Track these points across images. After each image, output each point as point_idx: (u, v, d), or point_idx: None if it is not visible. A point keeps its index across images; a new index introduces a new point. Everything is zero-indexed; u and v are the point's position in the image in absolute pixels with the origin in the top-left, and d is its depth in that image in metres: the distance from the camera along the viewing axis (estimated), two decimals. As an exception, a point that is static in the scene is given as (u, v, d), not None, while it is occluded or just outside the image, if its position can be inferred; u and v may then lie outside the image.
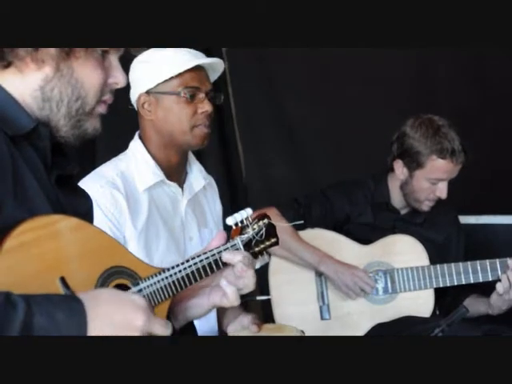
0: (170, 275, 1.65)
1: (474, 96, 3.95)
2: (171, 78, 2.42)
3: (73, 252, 1.47)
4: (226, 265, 1.72)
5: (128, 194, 2.40)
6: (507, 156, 3.87)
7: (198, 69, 2.44)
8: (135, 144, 2.51)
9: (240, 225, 1.77)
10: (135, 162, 2.47)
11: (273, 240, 1.85)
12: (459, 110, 3.71)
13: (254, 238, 1.79)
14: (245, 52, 3.82)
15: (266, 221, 1.84)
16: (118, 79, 1.56)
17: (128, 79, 1.62)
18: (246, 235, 1.78)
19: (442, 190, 3.02)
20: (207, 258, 1.71)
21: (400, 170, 3.08)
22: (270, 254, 1.85)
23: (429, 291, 3.03)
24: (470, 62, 3.89)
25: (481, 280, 2.97)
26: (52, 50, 1.46)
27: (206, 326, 2.54)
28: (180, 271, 1.67)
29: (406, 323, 2.95)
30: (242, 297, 1.73)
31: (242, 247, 1.76)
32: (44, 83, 1.49)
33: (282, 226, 3.00)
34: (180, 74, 2.41)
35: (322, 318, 3.06)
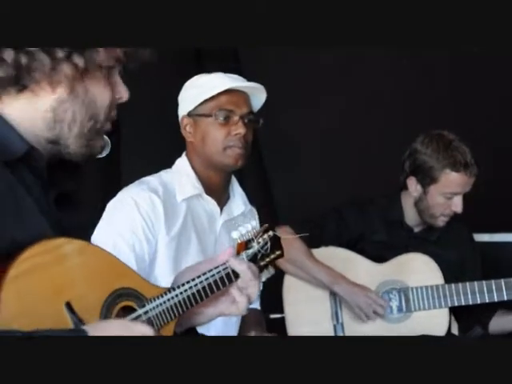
0: (176, 295, 1.65)
1: (487, 112, 3.95)
2: (208, 100, 2.48)
3: (78, 275, 1.47)
4: (231, 281, 1.73)
5: (167, 202, 2.45)
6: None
7: (235, 92, 2.49)
8: (181, 160, 2.58)
9: (245, 238, 1.78)
10: (178, 176, 2.53)
11: (278, 252, 1.84)
12: (469, 124, 3.70)
13: (259, 251, 1.79)
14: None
15: (270, 233, 1.83)
16: (121, 94, 1.56)
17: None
18: (251, 250, 1.79)
19: (457, 205, 3.02)
20: (213, 275, 1.71)
21: (413, 186, 3.08)
22: (274, 266, 1.87)
23: (444, 310, 3.01)
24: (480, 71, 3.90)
25: (496, 299, 2.96)
26: (68, 71, 1.45)
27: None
28: (186, 290, 1.66)
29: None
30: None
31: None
32: (57, 104, 1.49)
33: (296, 245, 3.05)
34: (216, 97, 2.47)
35: (335, 336, 3.05)
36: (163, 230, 2.43)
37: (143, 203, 2.41)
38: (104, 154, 1.82)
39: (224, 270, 1.73)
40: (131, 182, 2.55)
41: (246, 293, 1.73)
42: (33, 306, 1.38)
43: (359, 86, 3.99)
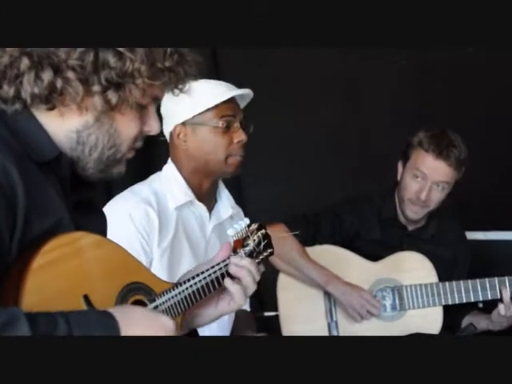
0: (183, 290, 1.70)
1: (485, 109, 3.95)
2: (207, 109, 2.47)
3: (94, 269, 1.52)
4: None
5: (160, 213, 2.44)
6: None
7: (231, 99, 2.49)
8: (169, 167, 2.57)
9: (239, 236, 1.85)
10: (168, 183, 2.52)
11: (269, 250, 1.92)
12: (467, 122, 3.70)
13: (254, 249, 1.87)
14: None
15: (263, 231, 1.91)
16: (152, 127, 1.60)
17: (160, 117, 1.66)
18: (248, 247, 1.85)
19: (421, 190, 2.97)
20: (215, 271, 1.77)
21: (399, 170, 3.07)
22: (264, 264, 1.95)
23: (437, 308, 3.02)
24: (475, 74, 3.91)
25: (489, 297, 2.96)
26: (98, 105, 1.49)
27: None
28: (191, 286, 1.72)
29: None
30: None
31: None
32: (82, 128, 1.52)
33: (291, 244, 3.04)
34: (216, 105, 2.46)
35: (330, 335, 3.05)
36: (156, 242, 2.42)
37: (138, 216, 2.40)
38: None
39: (225, 266, 1.79)
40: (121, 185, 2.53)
41: (242, 284, 1.77)
42: (52, 299, 1.41)
43: (348, 85, 4.00)
